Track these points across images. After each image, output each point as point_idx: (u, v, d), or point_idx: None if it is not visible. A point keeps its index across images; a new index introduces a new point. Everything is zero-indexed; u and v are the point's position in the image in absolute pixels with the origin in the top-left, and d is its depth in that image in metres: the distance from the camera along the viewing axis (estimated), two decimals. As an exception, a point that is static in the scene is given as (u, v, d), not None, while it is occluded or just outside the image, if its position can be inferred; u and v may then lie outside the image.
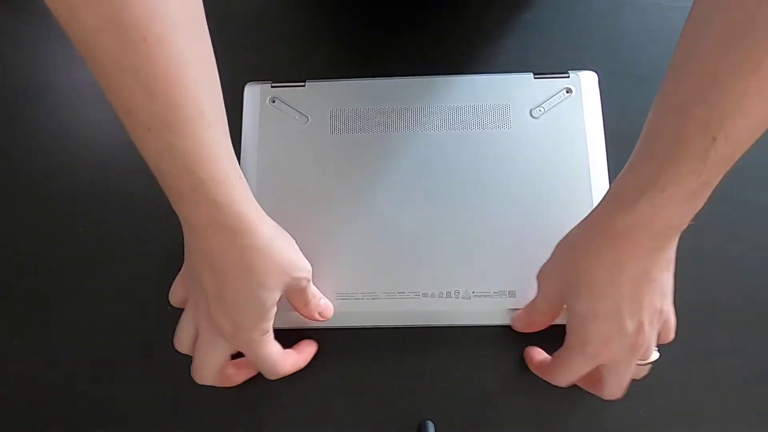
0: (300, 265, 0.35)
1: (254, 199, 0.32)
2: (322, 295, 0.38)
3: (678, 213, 0.28)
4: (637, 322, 0.31)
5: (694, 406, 0.39)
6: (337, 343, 0.40)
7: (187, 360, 0.41)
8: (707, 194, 0.27)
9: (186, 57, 0.26)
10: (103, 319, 0.42)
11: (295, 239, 0.37)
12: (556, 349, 0.35)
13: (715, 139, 0.25)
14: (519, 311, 0.38)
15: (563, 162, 0.40)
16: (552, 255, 0.34)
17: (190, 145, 0.27)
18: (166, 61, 0.26)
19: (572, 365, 0.33)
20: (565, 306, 0.34)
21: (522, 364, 0.39)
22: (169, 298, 0.37)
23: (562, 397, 0.39)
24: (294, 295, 0.36)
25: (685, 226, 0.29)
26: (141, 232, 0.43)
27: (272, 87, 0.43)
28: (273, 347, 0.35)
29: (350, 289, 0.39)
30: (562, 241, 0.34)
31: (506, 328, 0.39)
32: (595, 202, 0.33)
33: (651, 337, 0.32)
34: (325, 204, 0.40)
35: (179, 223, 0.43)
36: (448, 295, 0.39)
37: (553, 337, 0.35)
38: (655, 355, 0.34)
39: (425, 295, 0.39)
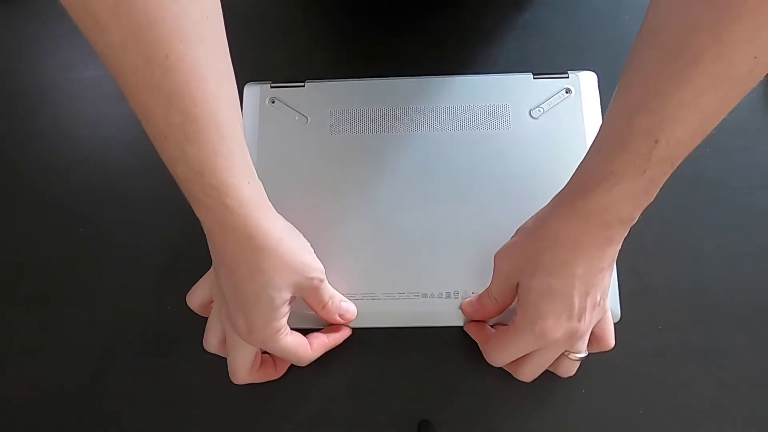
0: (311, 265, 0.35)
1: (267, 202, 0.33)
2: (343, 297, 0.39)
3: (628, 206, 0.30)
4: (582, 307, 0.33)
5: (694, 406, 0.39)
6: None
7: (187, 360, 0.41)
8: (655, 191, 0.30)
9: (205, 72, 0.28)
10: (103, 319, 0.42)
11: None
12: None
13: (657, 142, 0.28)
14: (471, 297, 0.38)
15: (562, 162, 0.40)
16: (511, 238, 0.36)
17: (203, 154, 0.29)
18: (185, 77, 0.27)
19: (517, 343, 0.34)
20: (517, 287, 0.34)
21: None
22: (187, 300, 0.38)
23: (562, 397, 0.39)
24: (308, 295, 0.36)
25: (633, 223, 0.31)
26: (141, 232, 0.43)
27: (272, 87, 0.43)
28: (290, 340, 0.36)
29: (350, 289, 0.39)
30: (521, 226, 0.35)
31: (506, 328, 0.39)
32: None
33: (588, 329, 0.34)
34: (325, 204, 0.40)
35: (178, 224, 0.43)
36: (448, 295, 0.39)
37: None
38: (584, 353, 0.35)
39: (425, 295, 0.39)
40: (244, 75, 0.43)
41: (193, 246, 0.43)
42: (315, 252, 0.37)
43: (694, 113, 0.27)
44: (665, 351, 0.40)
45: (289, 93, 0.43)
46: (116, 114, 0.46)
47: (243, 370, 0.37)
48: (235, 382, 0.37)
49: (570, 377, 0.38)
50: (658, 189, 0.30)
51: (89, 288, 0.43)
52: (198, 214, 0.32)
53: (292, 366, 0.40)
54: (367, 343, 0.40)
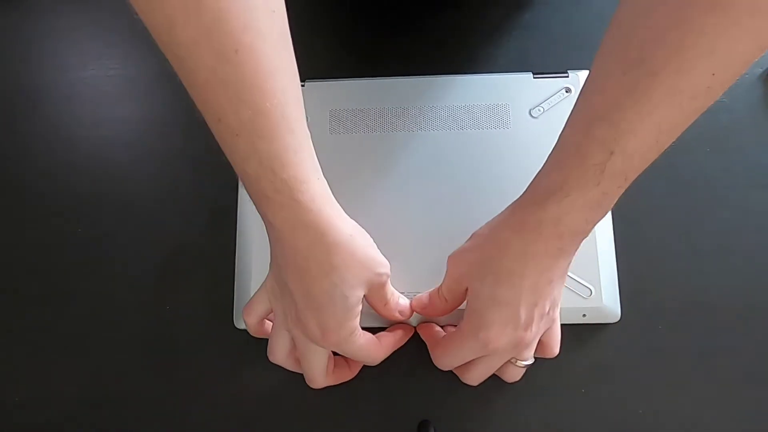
0: (380, 260, 0.35)
1: (334, 199, 0.33)
2: (400, 294, 0.38)
3: (581, 217, 0.30)
4: (529, 317, 0.32)
5: (693, 406, 0.39)
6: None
7: (186, 360, 0.41)
8: (608, 205, 0.30)
9: (273, 66, 0.28)
10: (102, 319, 0.42)
11: None
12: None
13: (612, 153, 0.27)
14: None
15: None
16: (466, 242, 0.36)
17: (274, 149, 0.29)
18: (254, 71, 0.27)
19: (462, 349, 0.35)
20: (467, 290, 0.34)
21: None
22: (244, 316, 0.36)
23: (562, 397, 0.39)
24: (374, 293, 0.36)
25: (586, 235, 0.31)
26: (140, 232, 0.43)
27: (272, 87, 0.43)
28: (363, 341, 0.35)
29: (350, 289, 0.39)
30: (476, 231, 0.35)
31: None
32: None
33: (534, 338, 0.34)
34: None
35: (178, 224, 0.43)
36: (448, 295, 0.39)
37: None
38: (530, 360, 0.36)
39: (425, 295, 0.39)
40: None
41: (192, 246, 0.43)
42: None
43: (651, 126, 0.27)
44: (665, 351, 0.40)
45: (289, 93, 0.42)
46: (116, 114, 0.46)
47: (320, 374, 0.36)
48: (314, 387, 0.37)
49: (569, 378, 0.38)
50: (612, 204, 0.30)
51: (89, 288, 0.42)
52: (266, 216, 0.31)
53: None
54: (367, 342, 0.40)
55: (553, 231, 0.30)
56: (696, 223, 0.42)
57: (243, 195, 0.42)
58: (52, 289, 0.43)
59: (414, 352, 0.40)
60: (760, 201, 0.42)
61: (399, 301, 0.38)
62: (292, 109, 0.29)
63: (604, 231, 0.40)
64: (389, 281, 0.36)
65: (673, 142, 0.28)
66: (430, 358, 0.39)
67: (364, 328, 0.36)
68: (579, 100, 0.30)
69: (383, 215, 0.40)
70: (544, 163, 0.32)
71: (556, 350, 0.37)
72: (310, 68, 0.46)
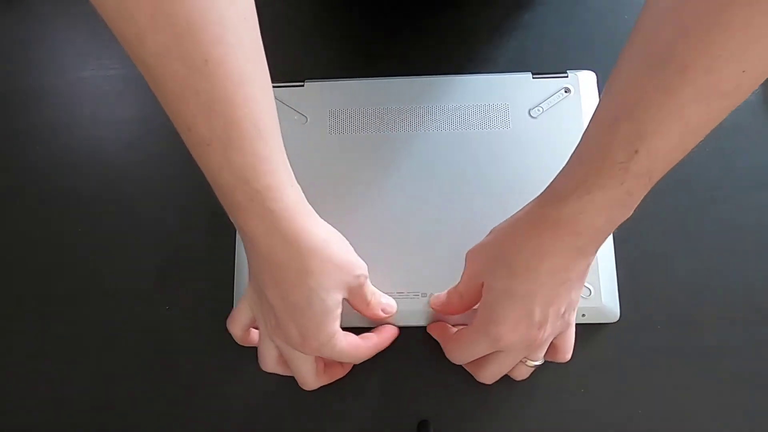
0: (356, 263, 0.35)
1: (308, 205, 0.33)
2: (381, 293, 0.38)
3: (601, 216, 0.29)
4: (543, 317, 0.32)
5: (693, 406, 0.39)
6: (337, 344, 0.40)
7: (185, 361, 0.41)
8: (631, 204, 0.29)
9: (244, 76, 0.28)
10: (101, 319, 0.42)
11: None
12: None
13: (637, 152, 0.27)
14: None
15: (562, 161, 0.40)
16: (484, 238, 0.35)
17: (247, 159, 0.29)
18: (225, 82, 0.27)
19: (473, 344, 0.34)
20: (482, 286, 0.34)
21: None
22: (229, 327, 0.37)
23: (562, 397, 0.39)
24: (354, 295, 0.36)
25: (607, 235, 0.31)
26: (139, 232, 0.43)
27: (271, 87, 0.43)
28: (344, 344, 0.35)
29: (349, 289, 0.39)
30: (495, 227, 0.35)
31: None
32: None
33: (547, 339, 0.34)
34: (324, 204, 0.40)
35: (177, 225, 0.43)
36: (448, 295, 0.39)
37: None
38: (540, 361, 0.35)
39: (425, 295, 0.39)
40: (243, 75, 0.43)
41: (191, 247, 0.43)
42: None
43: (678, 125, 0.26)
44: (664, 351, 0.40)
45: (289, 93, 0.42)
46: (114, 114, 0.46)
47: (310, 377, 0.36)
48: (307, 389, 0.37)
49: (568, 378, 0.38)
50: (635, 205, 0.29)
51: (87, 288, 0.43)
52: (240, 225, 0.31)
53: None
54: (366, 343, 0.40)
55: (572, 228, 0.30)
56: (696, 223, 0.42)
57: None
58: (51, 289, 0.43)
59: (414, 353, 0.40)
60: (760, 201, 0.42)
61: (381, 299, 0.38)
62: (265, 119, 0.29)
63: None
64: (368, 282, 0.36)
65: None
66: (430, 358, 0.40)
67: (352, 329, 0.36)
68: (603, 96, 0.29)
69: (382, 215, 0.40)
70: (568, 161, 0.31)
71: (568, 356, 0.36)
72: (310, 68, 0.46)
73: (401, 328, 0.40)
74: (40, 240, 0.44)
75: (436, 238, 0.40)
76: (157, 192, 0.44)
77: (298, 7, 0.48)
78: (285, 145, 0.41)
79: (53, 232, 0.44)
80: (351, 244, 0.39)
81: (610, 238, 0.40)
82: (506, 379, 0.37)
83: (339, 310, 0.34)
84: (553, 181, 0.32)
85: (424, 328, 0.40)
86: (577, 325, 0.39)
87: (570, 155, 0.31)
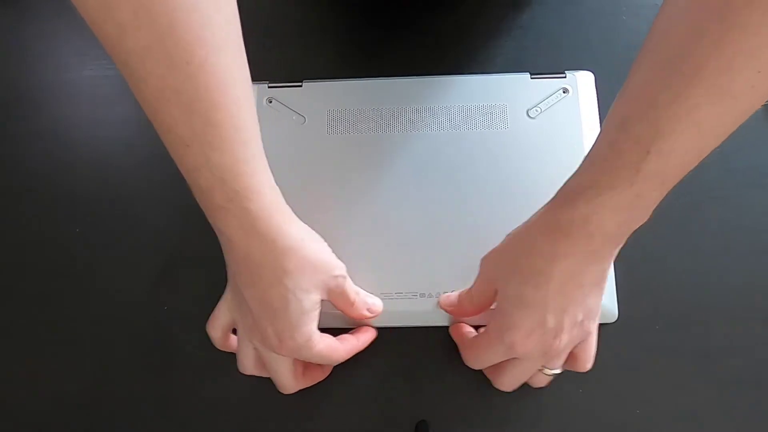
0: (334, 263, 0.35)
1: (287, 207, 0.33)
2: (366, 293, 0.38)
3: (612, 219, 0.29)
4: (558, 324, 0.31)
5: (692, 406, 0.39)
6: (335, 344, 0.40)
7: (184, 361, 0.41)
8: (643, 208, 0.29)
9: (226, 78, 0.28)
10: (100, 319, 0.42)
11: None
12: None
13: (648, 153, 0.26)
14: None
15: (560, 162, 0.40)
16: (499, 244, 0.35)
17: (226, 160, 0.29)
18: (207, 83, 0.27)
19: (487, 351, 0.34)
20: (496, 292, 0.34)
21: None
22: (208, 330, 0.37)
23: (560, 398, 0.39)
24: (335, 296, 0.36)
25: (622, 239, 0.30)
26: (138, 232, 0.44)
27: (269, 87, 0.43)
28: (322, 346, 0.35)
29: (347, 289, 0.39)
30: (509, 233, 0.35)
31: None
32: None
33: (565, 348, 0.33)
34: (322, 204, 0.40)
35: (176, 225, 0.43)
36: (446, 295, 0.39)
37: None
38: (558, 369, 0.35)
39: (423, 295, 0.39)
40: (241, 75, 0.43)
41: (190, 247, 0.43)
42: None
43: (690, 127, 0.25)
44: (662, 351, 0.40)
45: (287, 93, 0.43)
46: (114, 114, 0.46)
47: (289, 381, 0.36)
48: (286, 393, 0.37)
49: (567, 378, 0.38)
50: (649, 209, 0.29)
51: (86, 288, 0.43)
52: (218, 226, 0.32)
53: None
54: (364, 343, 0.40)
55: (583, 231, 0.29)
56: (695, 223, 0.42)
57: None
58: (50, 289, 0.43)
59: (412, 353, 0.40)
60: (760, 201, 0.42)
61: (366, 299, 0.38)
62: (245, 121, 0.29)
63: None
64: (349, 282, 0.36)
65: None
66: (428, 358, 0.40)
67: (333, 331, 0.36)
68: (618, 96, 0.29)
69: (380, 215, 0.40)
70: (580, 164, 0.31)
71: (589, 365, 0.35)
72: (308, 68, 0.46)
73: (400, 328, 0.40)
74: (39, 240, 0.44)
75: (435, 238, 0.40)
76: (156, 192, 0.44)
77: (296, 8, 0.49)
78: (284, 146, 0.42)
79: (52, 231, 0.44)
80: (349, 243, 0.39)
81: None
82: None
83: (316, 312, 0.34)
84: (565, 184, 0.31)
85: (422, 328, 0.40)
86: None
87: (583, 159, 0.31)
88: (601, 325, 0.40)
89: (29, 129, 0.46)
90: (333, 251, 0.39)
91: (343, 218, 0.40)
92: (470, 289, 0.36)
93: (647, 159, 0.26)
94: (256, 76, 0.43)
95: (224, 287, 0.41)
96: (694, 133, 0.26)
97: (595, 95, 0.42)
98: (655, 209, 0.41)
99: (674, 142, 0.26)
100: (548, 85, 0.42)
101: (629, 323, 0.40)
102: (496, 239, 0.39)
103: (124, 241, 0.43)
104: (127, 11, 0.25)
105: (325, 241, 0.39)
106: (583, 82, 0.42)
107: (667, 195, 0.42)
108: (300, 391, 0.38)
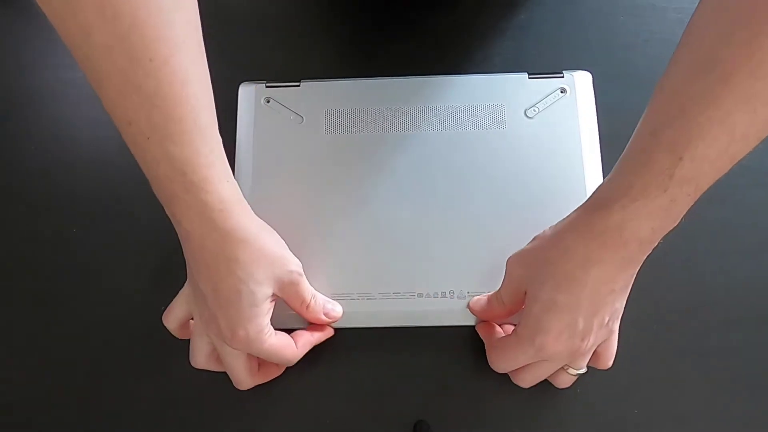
0: (289, 258, 0.35)
1: (244, 200, 0.34)
2: (326, 297, 0.38)
3: (647, 225, 0.29)
4: (587, 327, 0.32)
5: (690, 407, 0.38)
6: (333, 344, 0.39)
7: (182, 361, 0.41)
8: (676, 213, 0.29)
9: (187, 75, 0.29)
10: (98, 320, 0.42)
11: (289, 239, 0.37)
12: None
13: (681, 159, 0.27)
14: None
15: (558, 162, 0.40)
16: (527, 244, 0.35)
17: (186, 153, 0.30)
18: (169, 79, 0.28)
19: (517, 354, 0.34)
20: (525, 294, 0.34)
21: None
22: (164, 320, 0.37)
23: (559, 398, 0.39)
24: (289, 293, 0.36)
25: (654, 244, 0.30)
26: (136, 232, 0.44)
27: (267, 87, 0.43)
28: (274, 341, 0.35)
29: (345, 289, 0.39)
30: (538, 234, 0.35)
31: (501, 328, 0.39)
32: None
33: (591, 348, 0.34)
34: (320, 204, 0.40)
35: (174, 225, 0.43)
36: (444, 295, 0.39)
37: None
38: (583, 369, 0.35)
39: (420, 295, 0.39)
40: (239, 75, 0.44)
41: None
42: (310, 252, 0.37)
43: (722, 133, 0.26)
44: (661, 351, 0.39)
45: (285, 93, 0.43)
46: (115, 124, 0.46)
47: (244, 375, 0.36)
48: (241, 388, 0.37)
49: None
50: (681, 213, 0.29)
51: (84, 288, 0.43)
52: (176, 217, 0.32)
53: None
54: (363, 343, 0.40)
55: (618, 238, 0.29)
56: (695, 223, 0.42)
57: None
58: (48, 289, 0.43)
59: (410, 353, 0.40)
60: (759, 200, 0.42)
61: (326, 305, 0.38)
62: (205, 116, 0.31)
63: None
64: (305, 281, 0.36)
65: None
66: (427, 358, 0.40)
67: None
68: (650, 103, 0.30)
69: (378, 215, 0.40)
70: (613, 169, 0.31)
71: (610, 362, 0.36)
72: (305, 68, 0.46)
73: (398, 329, 0.40)
74: (39, 240, 0.44)
75: (432, 238, 0.40)
76: (153, 192, 0.44)
77: (294, 8, 0.49)
78: (281, 145, 0.42)
79: (51, 231, 0.44)
80: (347, 243, 0.39)
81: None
82: (503, 378, 0.37)
83: (268, 305, 0.34)
84: (597, 189, 0.32)
85: (422, 328, 0.40)
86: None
87: (615, 165, 0.31)
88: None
89: (29, 129, 0.47)
90: (331, 251, 0.39)
91: (340, 218, 0.40)
92: (498, 292, 0.36)
93: (680, 165, 0.27)
94: (254, 76, 0.44)
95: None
96: (725, 138, 0.26)
97: (593, 95, 0.42)
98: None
99: (706, 148, 0.26)
100: (546, 85, 0.42)
101: (628, 323, 0.40)
102: (494, 238, 0.39)
103: (122, 241, 0.43)
104: (92, 9, 0.26)
105: (323, 240, 0.39)
106: (580, 82, 0.42)
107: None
108: (300, 390, 0.38)
